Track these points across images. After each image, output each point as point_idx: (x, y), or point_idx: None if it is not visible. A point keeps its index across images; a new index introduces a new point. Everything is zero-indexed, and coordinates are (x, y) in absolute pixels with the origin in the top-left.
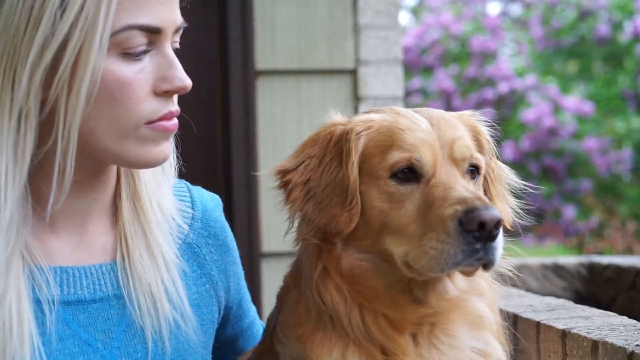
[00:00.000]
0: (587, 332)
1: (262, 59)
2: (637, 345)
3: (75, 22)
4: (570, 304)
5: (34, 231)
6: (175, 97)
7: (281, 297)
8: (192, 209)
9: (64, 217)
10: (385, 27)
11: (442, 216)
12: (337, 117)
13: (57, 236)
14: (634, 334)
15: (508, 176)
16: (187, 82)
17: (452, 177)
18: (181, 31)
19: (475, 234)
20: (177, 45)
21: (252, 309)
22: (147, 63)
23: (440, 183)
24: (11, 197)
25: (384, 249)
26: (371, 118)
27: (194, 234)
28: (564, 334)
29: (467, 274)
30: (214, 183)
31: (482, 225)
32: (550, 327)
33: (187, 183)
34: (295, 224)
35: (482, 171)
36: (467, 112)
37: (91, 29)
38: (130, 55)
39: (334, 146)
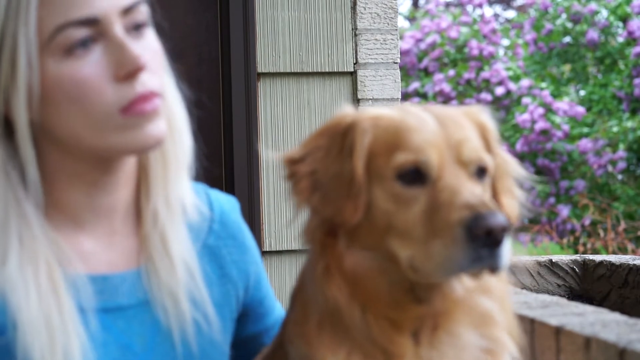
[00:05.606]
0: (581, 329)
1: (264, 62)
2: (629, 341)
3: (1, 34)
4: (564, 300)
5: (65, 233)
6: (142, 77)
7: (293, 295)
8: (211, 211)
9: (91, 215)
10: (384, 30)
11: (449, 222)
12: (347, 109)
13: (87, 235)
14: (625, 330)
15: (514, 169)
16: (140, 61)
17: (459, 180)
18: (138, 9)
19: (482, 241)
20: (138, 20)
21: (277, 307)
22: (98, 53)
23: (446, 187)
24: None
25: (388, 250)
26: (379, 114)
27: (213, 237)
28: (558, 331)
29: (475, 276)
30: (216, 183)
31: (489, 232)
32: (544, 324)
33: (205, 186)
34: (300, 215)
35: (490, 172)
36: (474, 108)
37: (16, 39)
38: (76, 51)
39: (341, 139)
